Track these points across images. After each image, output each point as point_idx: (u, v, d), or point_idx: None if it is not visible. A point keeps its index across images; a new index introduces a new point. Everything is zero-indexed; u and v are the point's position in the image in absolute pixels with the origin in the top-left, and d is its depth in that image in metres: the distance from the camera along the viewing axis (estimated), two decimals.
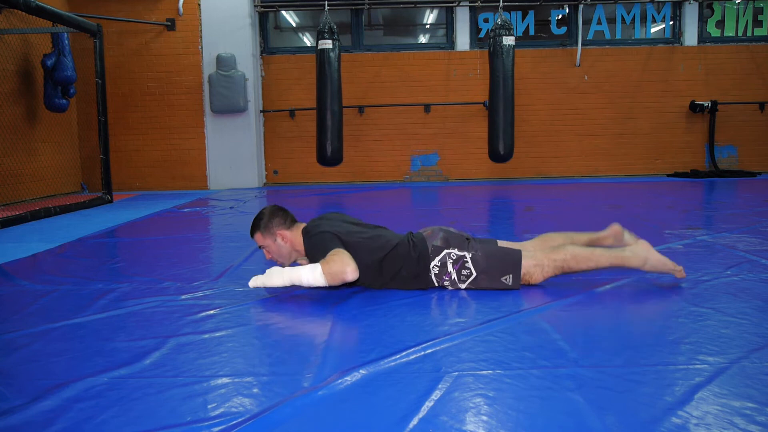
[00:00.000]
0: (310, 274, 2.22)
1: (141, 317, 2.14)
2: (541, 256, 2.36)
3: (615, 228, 2.59)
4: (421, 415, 1.33)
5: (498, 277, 2.34)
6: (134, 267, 3.00)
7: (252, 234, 2.51)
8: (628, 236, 2.57)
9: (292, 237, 2.46)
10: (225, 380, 1.55)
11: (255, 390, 1.49)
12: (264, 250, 2.51)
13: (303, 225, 2.50)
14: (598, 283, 2.45)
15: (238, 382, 1.54)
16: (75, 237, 3.99)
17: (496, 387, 1.47)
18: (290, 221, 2.50)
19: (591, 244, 2.55)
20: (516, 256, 2.34)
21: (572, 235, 2.58)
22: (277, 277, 2.27)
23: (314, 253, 2.32)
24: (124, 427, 1.31)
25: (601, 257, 2.34)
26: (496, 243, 2.46)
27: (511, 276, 2.33)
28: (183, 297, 2.40)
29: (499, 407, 1.37)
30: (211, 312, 2.17)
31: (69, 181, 7.38)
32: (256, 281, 2.31)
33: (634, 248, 2.37)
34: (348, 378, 1.53)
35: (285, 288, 2.48)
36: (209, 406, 1.40)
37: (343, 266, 2.18)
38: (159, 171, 7.84)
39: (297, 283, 2.26)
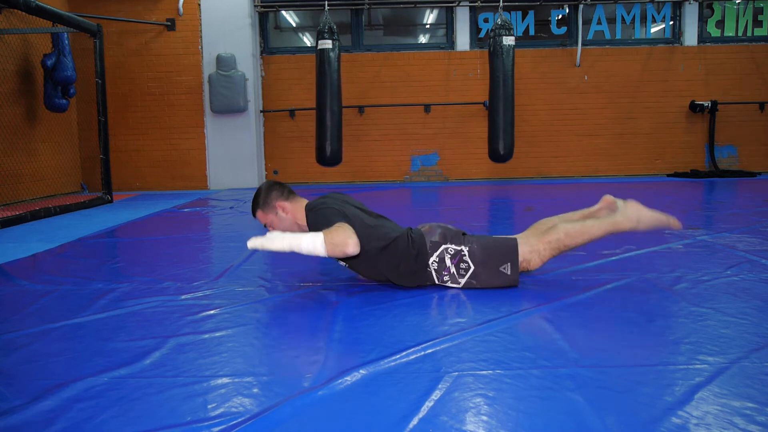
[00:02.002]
0: (311, 242, 2.15)
1: (141, 317, 2.14)
2: (535, 241, 2.36)
3: (607, 199, 2.56)
4: (421, 415, 1.33)
5: (496, 267, 2.33)
6: (134, 267, 3.00)
7: (254, 213, 2.45)
8: (621, 204, 2.53)
9: (293, 208, 2.42)
10: (225, 380, 1.55)
11: (255, 390, 1.49)
12: (269, 228, 2.44)
13: (305, 201, 2.46)
14: (598, 283, 2.45)
15: (238, 382, 1.54)
16: (75, 237, 3.99)
17: (496, 387, 1.47)
18: (288, 192, 2.46)
19: (585, 219, 2.54)
20: (512, 244, 2.35)
21: (565, 216, 2.58)
22: (277, 240, 2.18)
23: (318, 226, 2.27)
24: (124, 427, 1.31)
25: (593, 228, 2.34)
26: (492, 236, 2.46)
27: (509, 264, 2.33)
28: (183, 297, 2.40)
29: (499, 407, 1.37)
30: (211, 312, 2.17)
31: (69, 181, 7.38)
32: (255, 242, 2.20)
33: (625, 211, 2.37)
34: (348, 378, 1.53)
35: (285, 285, 2.48)
36: (209, 406, 1.39)
37: (346, 238, 2.14)
38: (159, 171, 7.84)
39: (296, 249, 2.17)
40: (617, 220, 2.35)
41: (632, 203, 2.40)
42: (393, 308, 2.17)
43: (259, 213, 2.45)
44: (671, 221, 2.37)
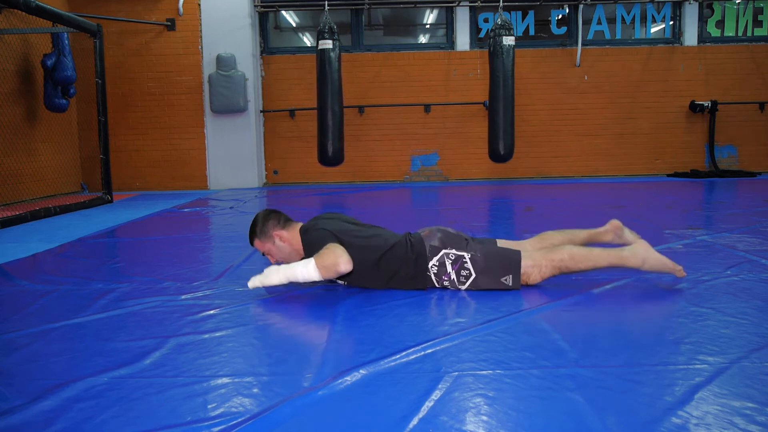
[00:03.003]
0: (304, 269, 2.22)
1: (141, 317, 2.14)
2: (538, 256, 2.35)
3: (614, 223, 2.58)
4: (421, 415, 1.33)
5: (498, 277, 2.33)
6: (134, 267, 3.00)
7: (251, 242, 2.51)
8: (627, 233, 2.57)
9: (290, 236, 2.45)
10: (225, 380, 1.55)
11: (255, 390, 1.49)
12: (268, 256, 2.50)
13: (300, 224, 2.50)
14: (598, 283, 2.45)
15: (238, 382, 1.54)
16: (75, 237, 3.99)
17: (496, 387, 1.47)
18: (284, 221, 2.50)
19: (590, 241, 2.56)
20: (515, 257, 2.34)
21: (571, 233, 2.58)
22: (274, 275, 2.28)
23: (311, 250, 2.32)
24: (124, 427, 1.31)
25: (599, 257, 2.32)
26: (496, 243, 2.46)
27: (511, 277, 2.33)
28: (183, 297, 2.40)
29: (499, 407, 1.37)
30: (211, 312, 2.17)
31: (69, 181, 7.38)
32: (254, 281, 2.31)
33: (633, 248, 2.35)
34: (348, 378, 1.53)
35: (285, 286, 2.48)
36: (209, 406, 1.39)
37: (336, 258, 2.19)
38: (159, 171, 7.84)
39: (293, 279, 2.26)
40: (624, 255, 2.33)
41: (642, 242, 2.38)
42: (393, 308, 2.17)
43: (257, 242, 2.49)
44: (677, 269, 2.34)
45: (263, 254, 2.51)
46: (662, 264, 2.33)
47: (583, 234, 2.58)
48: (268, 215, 2.49)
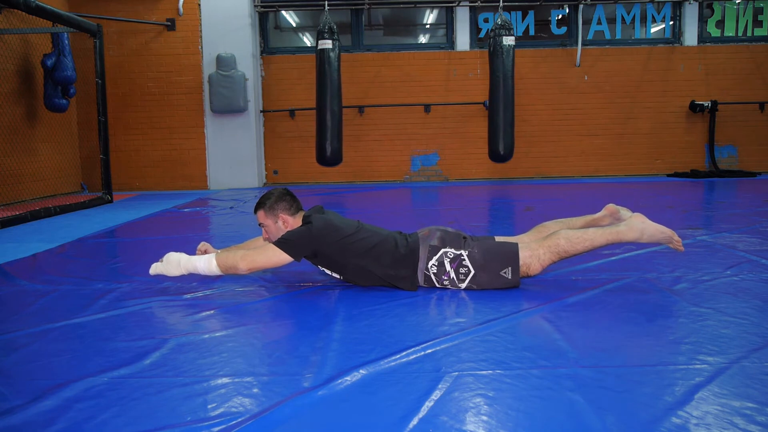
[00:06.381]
0: (206, 266, 2.37)
1: (141, 317, 2.14)
2: (536, 246, 2.36)
3: (610, 208, 2.57)
4: (421, 415, 1.33)
5: (497, 271, 2.33)
6: (134, 267, 3.00)
7: (255, 210, 2.50)
8: (624, 212, 2.56)
9: (293, 224, 2.45)
10: (225, 380, 1.55)
11: (255, 390, 1.49)
12: (263, 228, 2.50)
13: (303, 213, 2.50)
14: (598, 283, 2.45)
15: (238, 382, 1.54)
16: (75, 237, 3.99)
17: (496, 387, 1.47)
18: (295, 208, 2.49)
19: (588, 227, 2.55)
20: (513, 249, 2.34)
21: (568, 221, 2.58)
22: (174, 269, 2.41)
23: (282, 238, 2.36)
24: (124, 427, 1.31)
25: (595, 236, 2.32)
26: (494, 239, 2.46)
27: (510, 269, 2.33)
28: (183, 297, 2.40)
29: (499, 407, 1.37)
30: (211, 312, 2.17)
31: (69, 181, 7.38)
32: (156, 269, 2.43)
33: (629, 222, 2.34)
34: (348, 378, 1.53)
35: (285, 287, 2.48)
36: (209, 406, 1.39)
37: (237, 261, 2.32)
38: (159, 171, 7.84)
39: (193, 272, 2.41)
40: (620, 230, 2.32)
41: (638, 215, 2.38)
42: (393, 308, 2.17)
43: (260, 213, 2.48)
44: (674, 238, 2.33)
45: (259, 225, 2.51)
46: (661, 232, 2.32)
47: (580, 221, 2.58)
48: (284, 197, 2.48)
